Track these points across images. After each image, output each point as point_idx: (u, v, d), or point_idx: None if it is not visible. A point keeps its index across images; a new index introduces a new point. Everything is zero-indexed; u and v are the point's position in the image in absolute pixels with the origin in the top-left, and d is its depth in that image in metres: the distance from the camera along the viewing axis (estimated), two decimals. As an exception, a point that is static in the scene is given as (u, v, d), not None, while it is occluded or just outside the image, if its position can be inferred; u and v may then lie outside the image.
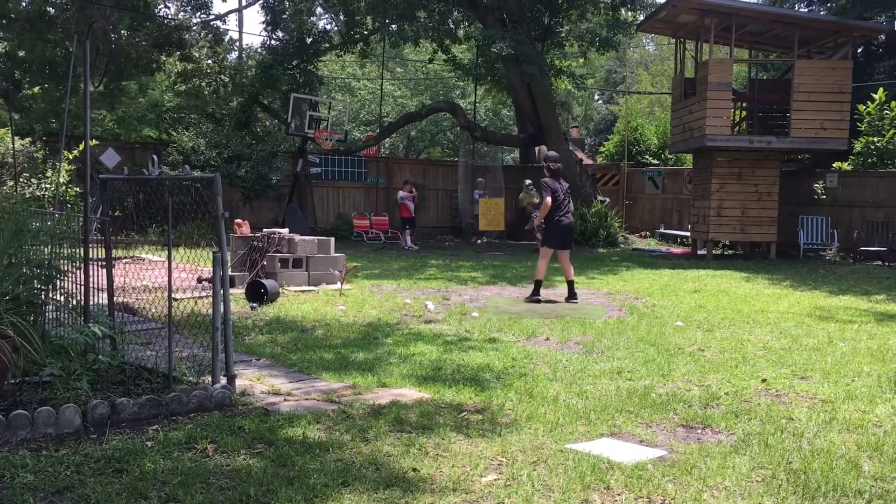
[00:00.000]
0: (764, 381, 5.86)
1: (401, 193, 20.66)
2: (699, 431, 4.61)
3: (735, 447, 4.26)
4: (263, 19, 23.54)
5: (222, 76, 22.73)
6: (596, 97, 49.65)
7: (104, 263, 5.63)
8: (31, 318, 4.97)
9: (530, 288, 10.74)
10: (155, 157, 5.92)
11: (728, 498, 3.55)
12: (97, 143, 17.62)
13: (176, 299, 5.31)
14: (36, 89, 20.62)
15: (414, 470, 3.81)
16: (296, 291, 10.39)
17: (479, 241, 21.67)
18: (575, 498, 3.52)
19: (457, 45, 22.91)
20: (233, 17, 42.60)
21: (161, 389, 4.83)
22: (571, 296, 10.21)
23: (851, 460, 4.06)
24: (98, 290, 5.62)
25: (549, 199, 10.04)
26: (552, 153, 10.66)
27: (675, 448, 4.26)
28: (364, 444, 4.17)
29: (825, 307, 10.02)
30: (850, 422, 4.81)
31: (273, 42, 23.18)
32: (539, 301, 10.09)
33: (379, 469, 3.80)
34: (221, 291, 4.94)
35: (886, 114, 19.42)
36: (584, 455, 4.06)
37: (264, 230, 12.03)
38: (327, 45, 24.02)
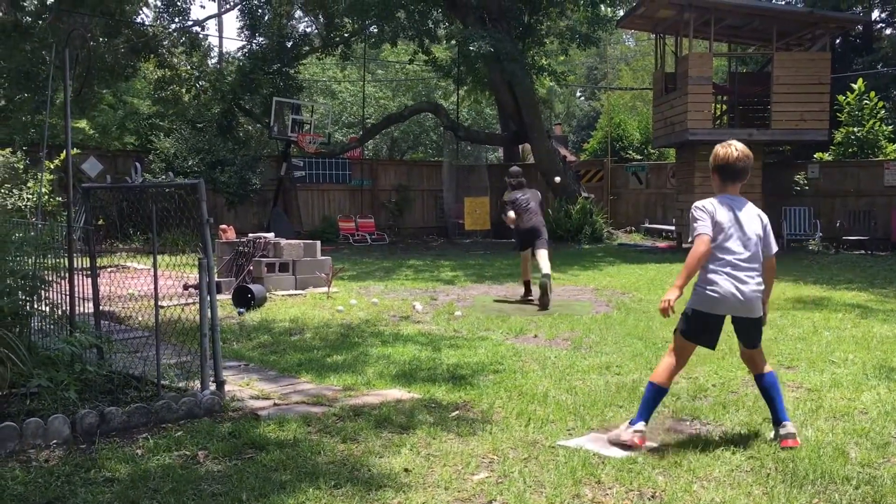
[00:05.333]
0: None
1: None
2: (688, 423, 4.65)
3: (723, 438, 4.30)
4: (242, 23, 23.41)
5: (202, 81, 22.62)
6: (578, 94, 49.80)
7: (89, 273, 5.60)
8: (17, 330, 4.93)
9: (517, 286, 10.80)
10: (137, 164, 5.90)
11: (718, 488, 3.59)
12: (78, 151, 17.51)
13: (162, 307, 5.29)
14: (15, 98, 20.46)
15: (405, 470, 3.81)
16: (283, 296, 10.37)
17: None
18: (566, 493, 3.54)
19: (438, 46, 22.93)
20: (212, 23, 42.43)
21: (150, 397, 4.81)
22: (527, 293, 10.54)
23: (838, 447, 4.10)
24: (83, 299, 5.59)
25: (511, 214, 10.46)
26: (513, 168, 11.23)
27: (665, 441, 4.29)
28: (355, 446, 4.18)
29: (810, 297, 10.11)
30: (837, 409, 4.86)
31: (253, 46, 23.10)
32: (531, 301, 10.15)
33: (371, 470, 3.81)
34: (208, 297, 4.92)
35: (866, 104, 19.62)
36: (575, 450, 4.08)
37: (250, 235, 11.99)
38: (308, 48, 23.97)
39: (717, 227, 4.19)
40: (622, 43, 52.25)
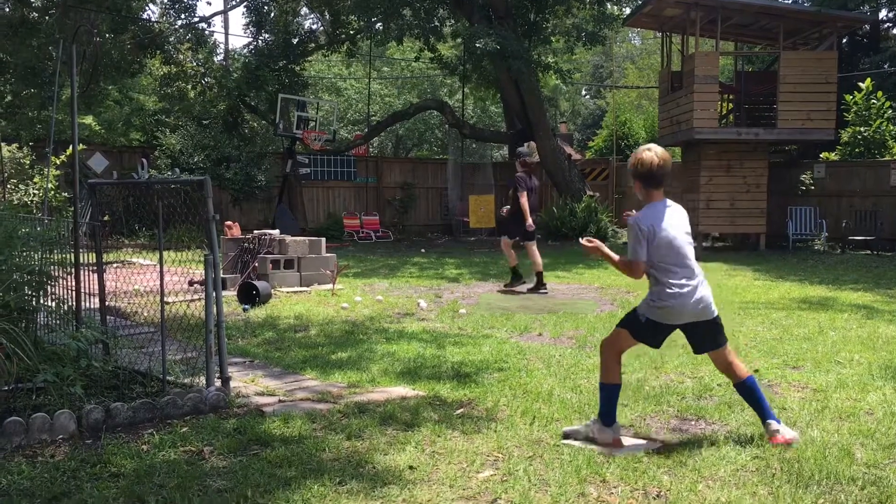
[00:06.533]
0: (756, 371, 5.89)
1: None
2: (693, 423, 4.64)
3: (729, 438, 4.29)
4: (248, 20, 23.41)
5: (207, 78, 22.63)
6: (583, 92, 49.71)
7: (95, 268, 5.62)
8: (23, 325, 4.95)
9: (520, 283, 10.82)
10: (144, 160, 5.91)
11: (723, 488, 3.58)
12: (84, 147, 17.53)
13: (168, 303, 5.29)
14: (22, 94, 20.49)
15: (410, 467, 3.82)
16: (288, 292, 10.39)
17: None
18: (571, 492, 3.54)
19: (444, 43, 22.88)
20: (218, 20, 42.43)
21: (155, 393, 4.82)
22: (516, 279, 10.87)
23: (844, 448, 4.09)
24: (89, 295, 5.60)
25: (524, 199, 10.42)
26: (523, 149, 10.99)
27: (670, 440, 4.29)
28: (360, 443, 4.18)
29: (815, 297, 10.09)
30: (842, 410, 4.84)
31: (259, 43, 23.10)
32: (545, 293, 10.39)
33: (376, 467, 3.81)
34: (214, 294, 4.93)
35: (873, 103, 19.54)
36: (580, 449, 4.08)
37: (255, 232, 12.01)
38: (313, 46, 23.96)
39: (660, 244, 4.15)
40: (628, 41, 52.14)
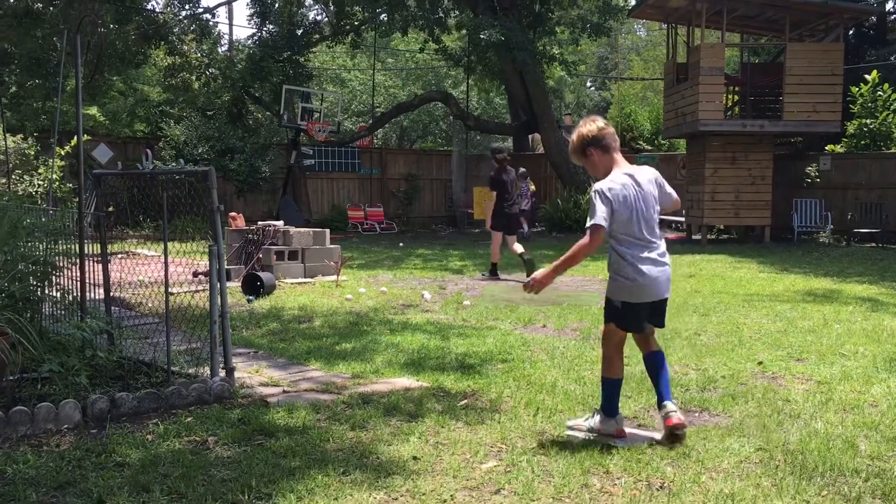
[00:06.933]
0: (760, 363, 5.89)
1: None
2: (696, 415, 4.64)
3: (732, 429, 4.29)
4: (252, 11, 23.37)
5: (212, 69, 22.62)
6: (588, 84, 49.57)
7: (100, 259, 5.63)
8: (28, 315, 4.97)
9: (525, 277, 10.80)
10: (149, 151, 5.91)
11: (726, 480, 3.58)
12: (89, 138, 17.55)
13: (173, 293, 5.30)
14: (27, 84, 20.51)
15: (414, 458, 3.82)
16: (292, 284, 10.40)
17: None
18: (574, 483, 3.55)
19: (448, 35, 22.81)
20: (223, 11, 42.38)
21: (160, 383, 4.83)
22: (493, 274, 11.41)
23: (848, 440, 4.09)
24: (94, 285, 5.61)
25: (494, 194, 11.22)
26: (495, 145, 11.83)
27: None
28: (364, 433, 4.19)
29: (820, 289, 10.07)
30: (846, 402, 4.84)
31: (263, 34, 23.06)
32: (499, 281, 11.07)
33: (380, 457, 3.82)
34: (218, 284, 4.94)
35: (879, 95, 19.46)
36: (583, 440, 4.09)
37: (259, 223, 12.02)
38: (318, 37, 23.93)
39: (624, 211, 3.96)
40: (633, 33, 51.95)
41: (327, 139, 21.99)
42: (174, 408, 4.57)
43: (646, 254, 4.04)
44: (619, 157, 4.14)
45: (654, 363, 4.25)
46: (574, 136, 4.19)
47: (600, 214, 3.92)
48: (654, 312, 4.19)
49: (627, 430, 4.23)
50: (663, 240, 4.19)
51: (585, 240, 3.96)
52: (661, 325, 4.29)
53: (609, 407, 4.19)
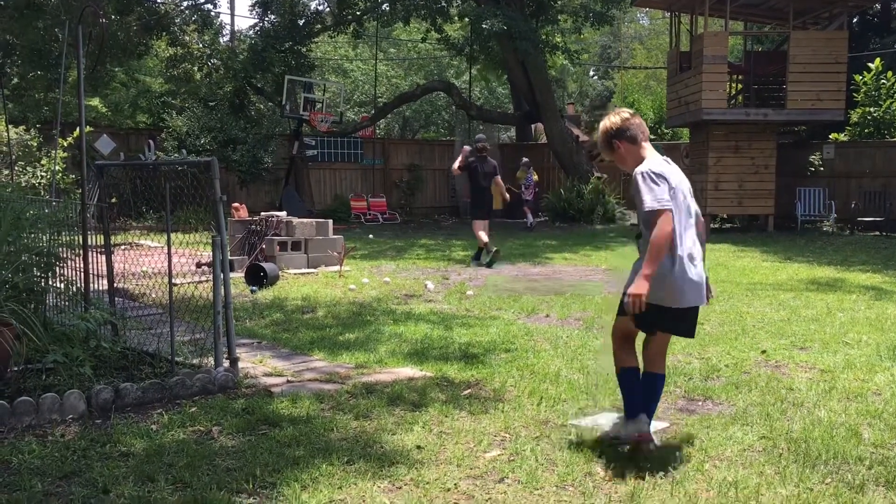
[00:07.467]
0: (763, 352, 5.89)
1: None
2: (700, 403, 4.65)
3: (736, 418, 4.29)
4: (254, 1, 23.29)
5: (214, 60, 22.56)
6: (591, 73, 49.42)
7: (103, 250, 5.63)
8: (32, 306, 4.97)
9: (528, 266, 10.82)
10: (151, 142, 5.91)
11: (730, 468, 3.59)
12: (91, 129, 17.54)
13: (176, 284, 5.31)
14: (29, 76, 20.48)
15: (418, 447, 3.83)
16: (295, 274, 10.40)
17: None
18: (578, 471, 3.55)
19: (451, 24, 22.71)
20: (224, 1, 42.29)
21: (164, 374, 4.85)
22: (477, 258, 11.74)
23: (851, 428, 4.09)
24: (98, 276, 5.62)
25: (455, 165, 11.90)
26: (478, 136, 12.48)
27: (677, 420, 4.30)
28: (368, 423, 4.20)
29: (824, 278, 10.06)
30: (850, 391, 4.84)
31: (265, 24, 22.98)
32: (481, 266, 11.29)
33: (383, 447, 3.83)
34: (221, 275, 4.94)
35: (883, 83, 19.38)
36: (587, 429, 4.09)
37: (262, 214, 12.02)
38: (319, 27, 23.84)
39: (674, 198, 3.56)
40: (636, 21, 51.75)
41: (330, 129, 21.93)
42: (178, 398, 4.58)
43: (691, 253, 3.68)
44: (649, 147, 3.82)
45: (657, 384, 3.92)
46: (599, 132, 3.93)
47: (661, 196, 3.54)
48: (672, 317, 3.80)
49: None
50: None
51: (660, 230, 3.49)
52: (691, 336, 3.97)
53: (630, 406, 3.81)
